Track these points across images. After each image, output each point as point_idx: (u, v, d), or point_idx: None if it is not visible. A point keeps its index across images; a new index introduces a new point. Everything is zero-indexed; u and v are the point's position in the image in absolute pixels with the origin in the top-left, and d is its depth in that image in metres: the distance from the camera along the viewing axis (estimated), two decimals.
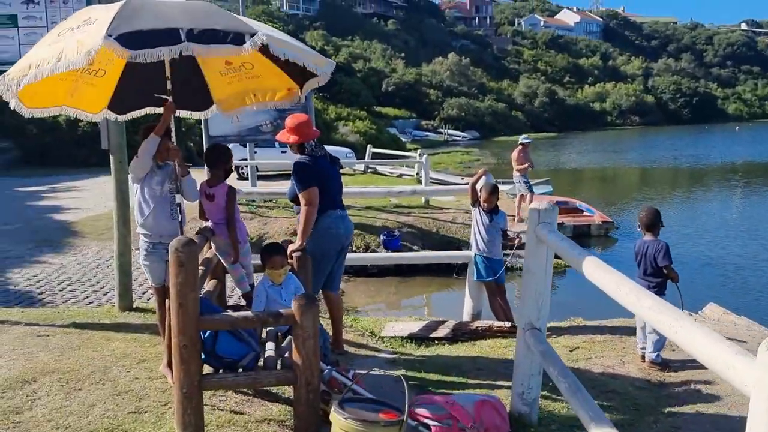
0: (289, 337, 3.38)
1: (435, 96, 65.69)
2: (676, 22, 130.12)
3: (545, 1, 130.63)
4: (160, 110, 4.48)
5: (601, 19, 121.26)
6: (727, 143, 50.35)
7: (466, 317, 6.05)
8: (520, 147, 13.59)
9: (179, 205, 3.93)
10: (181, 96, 4.16)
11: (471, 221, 13.73)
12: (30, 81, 3.17)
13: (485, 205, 5.81)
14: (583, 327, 5.87)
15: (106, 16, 3.19)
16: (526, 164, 13.47)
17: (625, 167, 34.86)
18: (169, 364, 3.92)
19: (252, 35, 3.28)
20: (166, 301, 3.65)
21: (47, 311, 5.82)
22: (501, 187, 18.33)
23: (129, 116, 4.61)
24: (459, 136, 57.83)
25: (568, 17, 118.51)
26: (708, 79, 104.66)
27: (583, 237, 14.57)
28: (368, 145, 22.73)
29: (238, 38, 3.28)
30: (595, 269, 2.75)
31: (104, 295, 8.41)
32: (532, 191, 13.44)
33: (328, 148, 19.12)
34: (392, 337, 5.64)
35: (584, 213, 15.95)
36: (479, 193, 5.86)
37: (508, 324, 5.49)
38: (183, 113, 4.68)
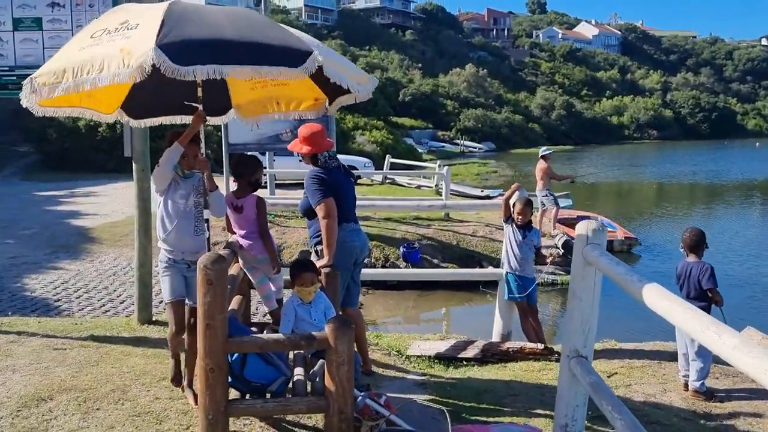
0: (321, 361, 3.19)
1: (452, 107, 65.55)
2: (695, 37, 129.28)
3: (563, 14, 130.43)
4: (179, 120, 4.32)
5: (619, 33, 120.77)
6: (747, 159, 49.63)
7: (495, 337, 5.81)
8: (542, 159, 13.35)
9: (207, 220, 3.74)
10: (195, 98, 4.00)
11: (491, 235, 13.62)
12: (69, 91, 2.98)
13: (519, 218, 5.58)
14: (619, 350, 5.62)
15: (150, 22, 2.96)
16: (552, 178, 13.25)
17: (642, 182, 34.36)
18: (190, 384, 3.74)
19: (307, 54, 3.05)
20: (182, 318, 3.51)
21: (64, 322, 5.67)
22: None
23: (142, 123, 4.40)
24: (475, 148, 57.55)
25: (586, 30, 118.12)
26: (727, 94, 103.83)
27: None
28: (387, 156, 22.55)
29: (291, 58, 3.05)
30: (659, 299, 2.52)
31: (120, 303, 8.28)
32: (557, 205, 13.18)
33: (347, 157, 18.99)
34: (419, 356, 5.42)
35: (606, 228, 15.62)
36: (512, 208, 5.64)
37: (540, 346, 5.25)
38: (184, 118, 4.40)
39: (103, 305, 8.30)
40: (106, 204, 16.18)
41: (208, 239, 3.66)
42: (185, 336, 3.74)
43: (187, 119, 4.27)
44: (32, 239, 12.11)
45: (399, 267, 11.95)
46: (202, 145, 3.80)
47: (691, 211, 23.47)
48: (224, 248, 3.69)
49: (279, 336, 3.05)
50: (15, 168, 25.63)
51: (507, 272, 5.62)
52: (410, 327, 10.17)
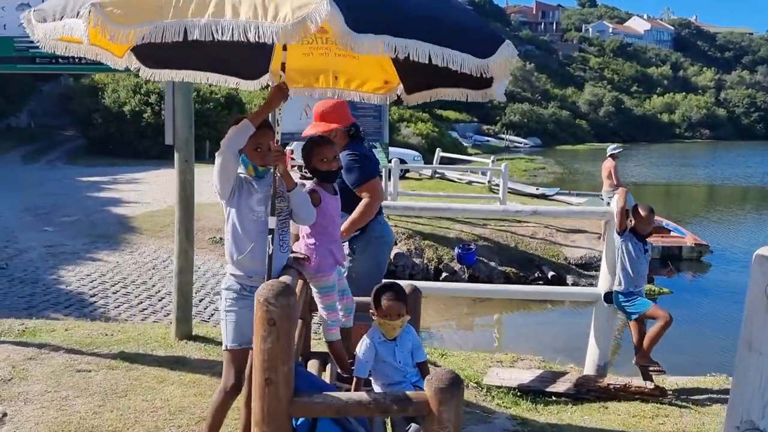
0: (415, 426, 2.41)
1: (497, 101, 64.06)
2: (752, 33, 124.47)
3: (614, 7, 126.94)
4: (206, 79, 3.45)
5: (672, 28, 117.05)
6: None
7: (589, 369, 4.90)
8: (610, 158, 12.33)
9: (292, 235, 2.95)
10: (225, 55, 3.12)
11: (551, 237, 12.66)
12: (159, 35, 2.12)
13: (644, 228, 4.69)
14: (706, 389, 4.70)
15: None
16: (620, 180, 12.25)
17: (697, 183, 32.74)
18: None
19: (499, 43, 2.34)
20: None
21: (93, 331, 4.99)
22: (573, 200, 17.11)
23: (157, 75, 3.28)
24: (520, 143, 56.26)
25: (638, 25, 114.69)
26: None
27: (672, 260, 13.12)
28: (437, 149, 21.64)
29: (483, 45, 2.32)
30: None
31: (159, 301, 7.67)
32: None
33: (394, 150, 17.97)
34: (498, 387, 4.60)
35: (672, 233, 14.47)
36: (631, 216, 4.73)
37: (650, 385, 4.36)
38: (216, 78, 3.45)
39: (141, 302, 7.69)
40: (147, 192, 15.72)
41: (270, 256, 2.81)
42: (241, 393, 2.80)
43: (219, 80, 3.43)
44: (72, 227, 11.66)
45: (453, 269, 11.17)
46: (279, 130, 2.89)
47: (762, 215, 21.97)
48: (284, 271, 2.84)
49: (362, 396, 2.26)
50: (60, 152, 25.56)
51: (617, 291, 4.70)
52: (466, 335, 9.36)
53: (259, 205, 2.80)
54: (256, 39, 2.05)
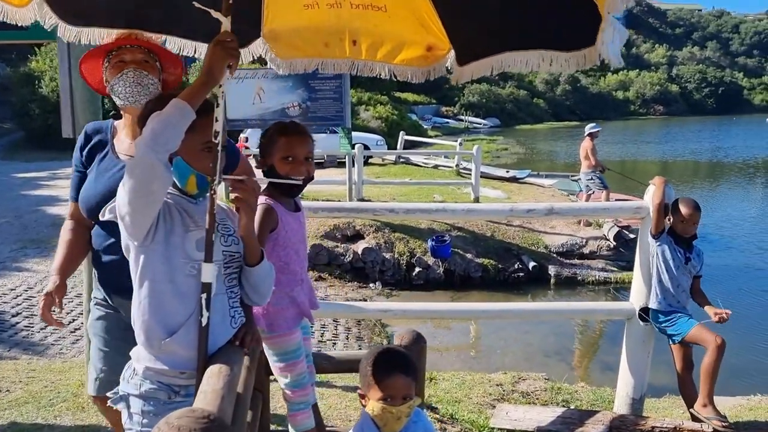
0: None
1: (455, 82, 63.63)
2: (701, 10, 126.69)
3: None
4: (171, 44, 2.45)
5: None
6: (766, 135, 47.78)
7: (621, 405, 3.94)
8: (588, 137, 11.57)
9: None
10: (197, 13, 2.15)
11: (529, 224, 11.89)
12: None
13: (686, 230, 3.71)
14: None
15: None
16: (598, 161, 11.52)
17: (656, 160, 32.65)
18: None
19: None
20: None
21: None
22: (544, 182, 16.37)
23: (76, 33, 2.31)
24: (480, 124, 55.81)
25: None
26: (734, 69, 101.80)
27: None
28: (401, 133, 20.64)
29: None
30: None
31: None
32: (607, 188, 11.42)
33: (356, 134, 16.87)
34: (510, 431, 3.71)
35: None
36: (669, 213, 3.75)
37: (708, 429, 3.45)
38: (189, 45, 2.46)
39: (74, 320, 6.62)
40: None
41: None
42: None
43: (173, 45, 2.43)
44: (1, 231, 10.39)
45: (427, 263, 10.28)
46: (219, 119, 1.79)
47: (716, 191, 21.61)
48: (235, 342, 1.79)
49: None
50: None
51: (654, 309, 3.80)
52: (440, 333, 8.50)
53: (197, 249, 1.74)
54: None
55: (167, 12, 2.27)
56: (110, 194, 1.84)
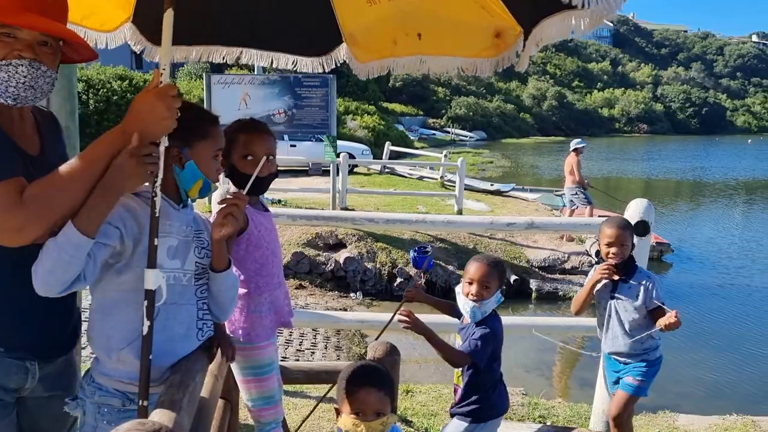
0: None
1: (443, 94, 63.95)
2: (686, 31, 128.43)
3: None
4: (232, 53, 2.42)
5: (611, 24, 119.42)
6: (749, 156, 48.40)
7: (597, 423, 3.91)
8: (574, 153, 11.62)
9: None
10: (270, 25, 2.14)
11: (511, 237, 11.92)
12: None
13: (612, 252, 3.15)
14: None
15: None
16: (584, 177, 11.59)
17: (640, 178, 32.92)
18: None
19: None
20: None
21: None
22: (528, 195, 16.43)
23: (178, 54, 2.28)
24: (466, 136, 56.09)
25: None
26: (717, 90, 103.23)
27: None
28: (387, 143, 20.66)
29: None
30: None
31: None
32: (591, 203, 11.47)
33: (342, 143, 16.83)
34: None
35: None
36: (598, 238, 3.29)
37: None
38: (272, 55, 2.44)
39: None
40: None
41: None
42: None
43: (263, 59, 2.44)
44: None
45: (409, 274, 10.25)
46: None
47: (699, 209, 21.83)
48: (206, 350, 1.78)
49: None
50: None
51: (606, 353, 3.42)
52: (422, 348, 8.44)
53: (174, 257, 1.68)
54: None
55: (259, 25, 2.27)
56: None
